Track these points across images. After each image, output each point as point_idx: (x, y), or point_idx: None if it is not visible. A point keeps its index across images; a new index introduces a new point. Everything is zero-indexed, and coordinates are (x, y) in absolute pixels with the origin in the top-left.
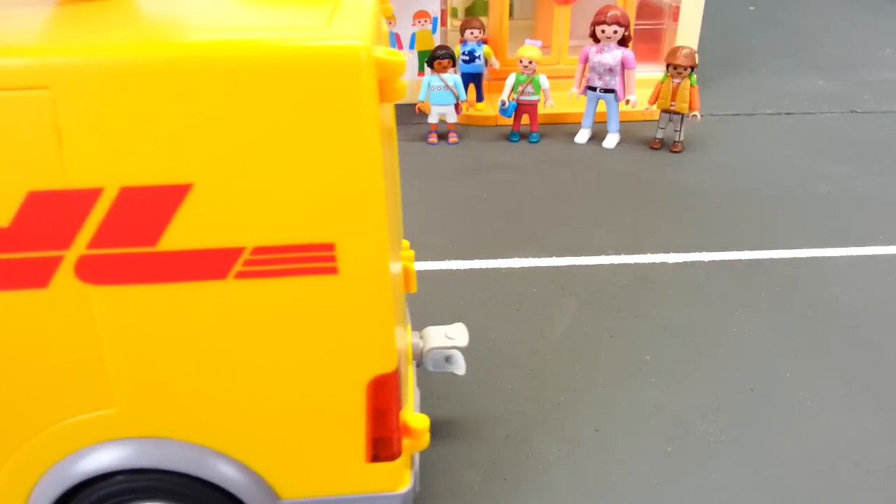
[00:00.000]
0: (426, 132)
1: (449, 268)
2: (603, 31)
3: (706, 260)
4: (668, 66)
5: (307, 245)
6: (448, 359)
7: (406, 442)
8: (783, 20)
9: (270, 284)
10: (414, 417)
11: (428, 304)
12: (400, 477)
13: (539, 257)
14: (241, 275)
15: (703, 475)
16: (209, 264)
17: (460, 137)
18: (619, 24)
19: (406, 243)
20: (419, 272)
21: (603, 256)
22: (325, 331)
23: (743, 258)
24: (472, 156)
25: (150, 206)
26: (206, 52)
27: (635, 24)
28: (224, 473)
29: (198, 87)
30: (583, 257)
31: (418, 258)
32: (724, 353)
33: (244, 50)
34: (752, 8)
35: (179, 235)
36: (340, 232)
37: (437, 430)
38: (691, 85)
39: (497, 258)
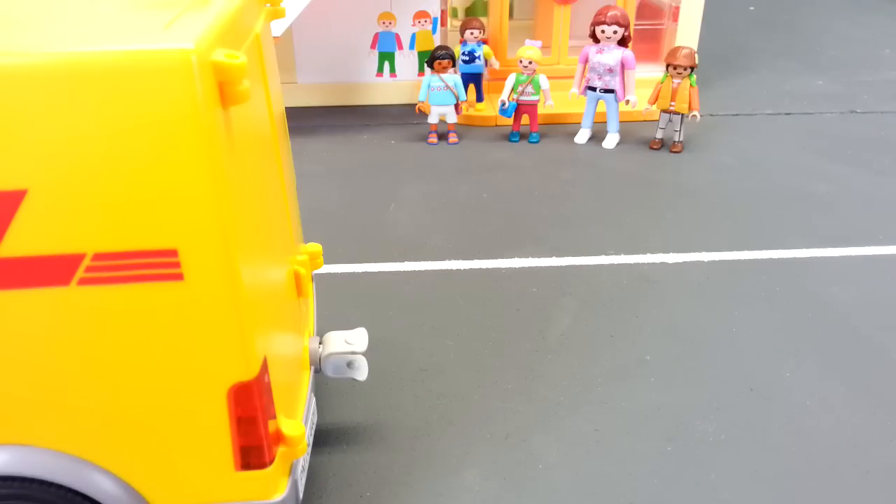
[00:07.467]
0: (426, 132)
1: (449, 268)
2: (603, 32)
3: (706, 260)
4: (667, 66)
5: (149, 251)
6: (350, 364)
7: (281, 450)
8: (783, 20)
9: (116, 291)
10: (289, 425)
11: (428, 304)
12: (274, 485)
13: (539, 257)
14: (84, 281)
15: (703, 475)
16: (50, 271)
17: (460, 137)
18: (619, 25)
19: (317, 248)
20: (420, 272)
21: (603, 256)
22: (177, 338)
23: (743, 258)
24: (472, 156)
25: None
26: (35, 59)
27: (635, 25)
28: (91, 481)
29: (27, 94)
30: (583, 257)
31: (418, 258)
32: (724, 353)
33: (73, 57)
34: (751, 8)
35: (18, 241)
36: (183, 238)
37: (437, 429)
38: (691, 85)
39: (497, 258)
